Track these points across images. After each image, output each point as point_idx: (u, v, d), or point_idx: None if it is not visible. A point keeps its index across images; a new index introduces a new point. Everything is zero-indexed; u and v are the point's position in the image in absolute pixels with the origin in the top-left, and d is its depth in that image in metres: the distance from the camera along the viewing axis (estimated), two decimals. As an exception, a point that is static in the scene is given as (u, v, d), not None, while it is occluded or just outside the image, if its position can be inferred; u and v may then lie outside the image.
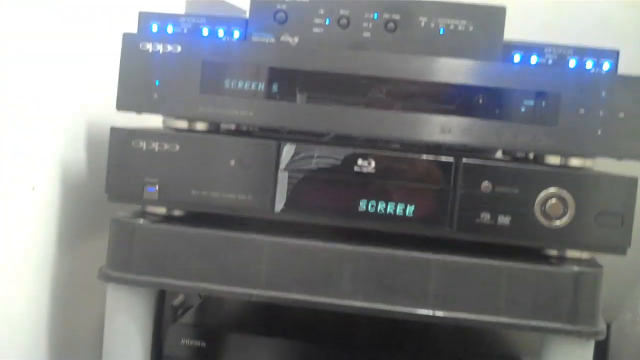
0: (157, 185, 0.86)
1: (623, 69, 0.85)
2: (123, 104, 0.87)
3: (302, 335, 1.05)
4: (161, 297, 1.20)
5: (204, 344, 1.02)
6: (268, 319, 1.12)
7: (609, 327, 1.61)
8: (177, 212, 0.90)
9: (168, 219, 0.89)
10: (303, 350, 1.04)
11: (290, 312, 1.09)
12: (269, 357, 1.02)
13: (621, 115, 0.80)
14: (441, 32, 0.86)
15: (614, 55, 0.84)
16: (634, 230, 1.39)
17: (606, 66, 0.84)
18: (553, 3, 1.27)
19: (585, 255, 0.84)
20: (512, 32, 0.88)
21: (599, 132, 0.81)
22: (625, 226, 0.80)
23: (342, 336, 1.07)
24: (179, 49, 0.86)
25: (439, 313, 0.82)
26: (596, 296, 0.81)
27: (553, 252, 0.85)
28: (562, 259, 0.84)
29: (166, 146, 0.86)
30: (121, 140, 0.86)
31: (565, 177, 0.81)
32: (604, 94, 0.80)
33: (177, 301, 1.27)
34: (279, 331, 1.06)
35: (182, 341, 1.03)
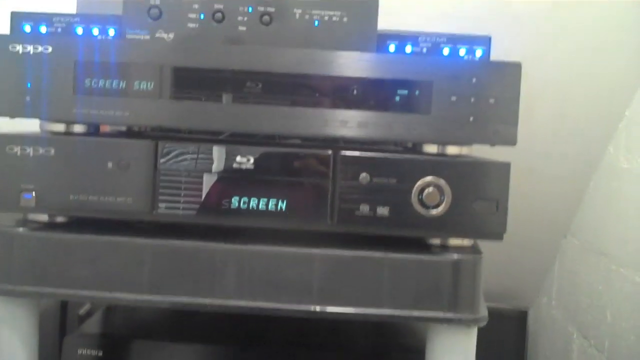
0: (33, 192, 0.83)
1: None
2: (-5, 109, 0.84)
3: (205, 338, 1.04)
4: (63, 307, 1.17)
5: (101, 353, 1.01)
6: (171, 323, 1.11)
7: (526, 313, 1.65)
8: (60, 219, 0.88)
9: (50, 226, 0.87)
10: (208, 354, 1.03)
11: (193, 315, 1.07)
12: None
13: (492, 101, 0.81)
14: (316, 24, 0.86)
15: (487, 41, 0.85)
16: (545, 215, 1.43)
17: (479, 53, 0.84)
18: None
19: (466, 242, 0.85)
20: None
21: (471, 119, 0.81)
22: (500, 212, 0.81)
23: (250, 336, 1.06)
24: (50, 49, 0.83)
25: (324, 308, 0.81)
26: (476, 283, 0.82)
27: (436, 241, 0.85)
28: (444, 248, 0.84)
29: (41, 150, 0.84)
30: (-5, 146, 0.84)
31: (440, 165, 0.82)
32: (474, 80, 0.81)
33: (83, 310, 1.25)
34: (182, 335, 1.05)
35: (79, 351, 1.01)
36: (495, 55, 0.85)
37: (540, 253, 1.52)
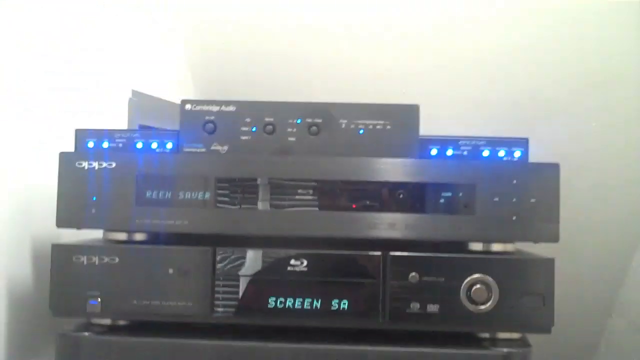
0: (99, 298, 0.88)
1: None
2: (62, 221, 0.90)
3: None
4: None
5: None
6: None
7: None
8: (122, 322, 0.92)
9: (113, 329, 0.91)
10: None
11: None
12: None
13: (533, 200, 0.85)
14: (361, 132, 0.91)
15: (524, 143, 0.89)
16: (587, 297, 1.44)
17: (517, 154, 0.88)
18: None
19: (515, 335, 0.87)
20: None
21: (514, 218, 0.85)
22: (547, 306, 0.84)
23: None
24: (114, 164, 0.89)
25: (379, 405, 0.84)
26: (527, 375, 0.83)
27: (485, 335, 0.88)
28: (493, 341, 0.87)
29: (106, 259, 0.88)
30: (62, 255, 0.89)
31: (487, 263, 0.85)
32: (515, 181, 0.85)
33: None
34: None
35: None
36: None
37: (585, 333, 1.52)
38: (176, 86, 1.49)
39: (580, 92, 1.32)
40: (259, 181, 0.88)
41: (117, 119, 1.28)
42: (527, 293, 0.84)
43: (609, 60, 1.30)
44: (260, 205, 0.87)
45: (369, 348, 0.85)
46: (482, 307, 0.84)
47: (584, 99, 1.31)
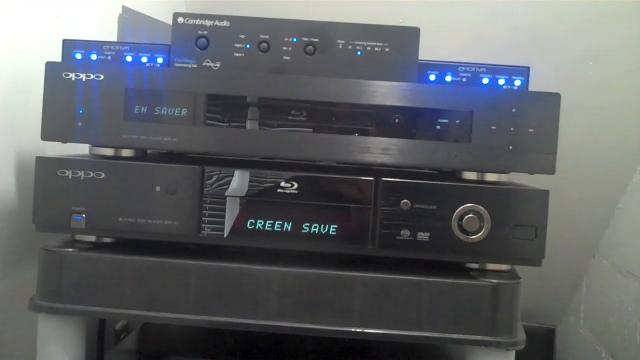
0: (84, 214, 0.86)
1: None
2: (48, 134, 0.87)
3: (243, 356, 1.06)
4: (101, 322, 1.20)
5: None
6: (209, 341, 1.13)
7: (554, 330, 1.66)
8: (107, 240, 0.90)
9: (97, 246, 0.89)
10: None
11: (233, 333, 1.09)
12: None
13: (531, 130, 0.83)
14: (358, 54, 0.88)
15: (525, 72, 0.87)
16: (573, 234, 1.44)
17: (517, 83, 0.86)
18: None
19: (504, 267, 0.87)
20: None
21: (510, 148, 0.83)
22: (539, 238, 0.83)
23: (285, 356, 1.08)
24: (102, 77, 0.86)
25: (365, 330, 0.83)
26: (514, 307, 0.83)
27: (474, 266, 0.87)
28: (482, 272, 0.86)
29: (92, 174, 0.86)
30: (47, 169, 0.87)
31: (480, 192, 0.84)
32: (514, 110, 0.83)
33: (119, 325, 1.27)
34: (221, 353, 1.07)
35: (121, 366, 1.03)
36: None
37: (568, 272, 1.54)
38: (167, 5, 1.44)
39: (580, 31, 1.30)
40: (249, 100, 0.85)
41: (106, 37, 1.24)
42: (520, 224, 0.83)
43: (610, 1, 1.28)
44: (250, 125, 0.85)
45: (356, 274, 0.84)
46: (473, 237, 0.83)
47: (584, 37, 1.29)
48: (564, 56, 1.28)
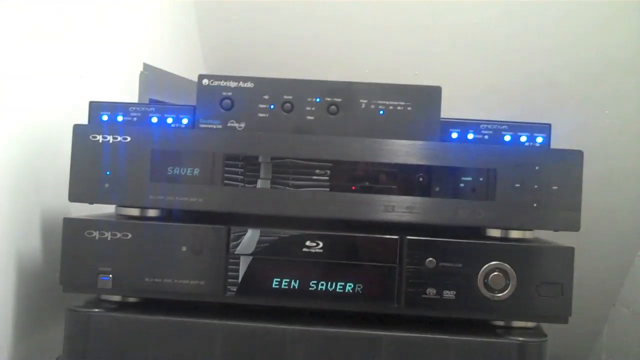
0: (110, 274, 0.87)
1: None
2: (75, 195, 0.88)
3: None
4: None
5: None
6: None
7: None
8: (132, 299, 0.91)
9: (123, 306, 0.90)
10: None
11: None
12: None
13: (555, 187, 0.83)
14: (381, 113, 0.89)
15: (547, 129, 0.88)
16: (594, 285, 1.44)
17: (539, 140, 0.87)
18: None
19: (531, 324, 0.86)
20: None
21: (535, 205, 0.83)
22: (565, 295, 0.83)
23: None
24: (129, 138, 0.88)
25: (392, 389, 0.83)
26: (541, 364, 0.83)
27: (500, 323, 0.87)
28: (508, 329, 0.86)
29: (118, 235, 0.87)
30: (74, 230, 0.88)
31: (505, 250, 0.84)
32: (537, 167, 0.83)
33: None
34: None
35: None
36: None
37: (589, 321, 1.53)
38: (187, 62, 1.47)
39: (595, 80, 1.31)
40: (270, 160, 0.86)
41: (128, 94, 1.26)
42: (546, 282, 0.83)
43: (626, 47, 1.29)
44: (273, 185, 0.86)
45: (382, 333, 0.84)
46: (499, 294, 0.83)
47: (600, 86, 1.30)
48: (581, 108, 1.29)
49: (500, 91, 1.30)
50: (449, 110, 0.91)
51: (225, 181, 0.87)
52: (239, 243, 0.86)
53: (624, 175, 1.34)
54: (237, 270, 0.86)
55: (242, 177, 0.87)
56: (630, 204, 1.36)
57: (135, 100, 1.27)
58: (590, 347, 1.58)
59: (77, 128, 0.89)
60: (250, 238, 0.86)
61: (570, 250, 0.83)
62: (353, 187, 0.86)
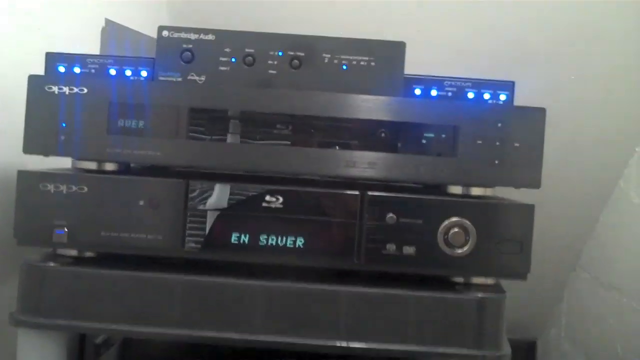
0: (65, 228, 0.85)
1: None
2: (30, 148, 0.86)
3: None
4: (82, 337, 1.18)
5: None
6: (191, 355, 1.12)
7: (535, 344, 1.66)
8: (88, 254, 0.89)
9: (79, 261, 0.88)
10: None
11: (215, 349, 1.08)
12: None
13: (516, 144, 0.83)
14: (344, 68, 0.88)
15: (510, 86, 0.88)
16: (554, 248, 1.45)
17: (502, 97, 0.87)
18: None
19: (490, 281, 0.87)
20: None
21: (496, 162, 0.83)
22: (524, 252, 0.83)
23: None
24: (85, 90, 0.86)
25: (350, 344, 0.83)
26: (500, 321, 0.83)
27: (459, 279, 0.87)
28: (467, 286, 0.86)
29: (74, 188, 0.85)
30: (29, 183, 0.86)
31: (465, 206, 0.84)
32: (500, 124, 0.83)
33: (99, 340, 1.25)
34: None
35: (102, 382, 1.02)
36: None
37: (549, 285, 1.54)
38: (151, 19, 1.44)
39: (562, 44, 1.31)
40: (232, 113, 0.85)
41: (89, 51, 1.23)
42: (505, 238, 0.83)
43: (593, 13, 1.29)
44: (233, 139, 0.85)
45: (341, 288, 0.84)
46: (459, 250, 0.83)
47: (566, 50, 1.30)
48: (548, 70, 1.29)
49: (467, 51, 1.30)
50: (413, 69, 0.90)
51: (191, 136, 0.85)
52: (197, 197, 0.85)
53: (590, 138, 1.35)
54: (196, 226, 0.85)
55: (202, 130, 0.85)
56: (594, 167, 1.37)
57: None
58: (551, 312, 1.60)
59: (32, 78, 0.86)
60: (208, 192, 0.85)
61: (531, 208, 0.83)
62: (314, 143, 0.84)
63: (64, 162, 0.91)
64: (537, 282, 1.40)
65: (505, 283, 0.88)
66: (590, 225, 1.44)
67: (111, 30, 1.28)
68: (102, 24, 1.27)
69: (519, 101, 0.88)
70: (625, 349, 1.26)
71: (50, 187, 0.85)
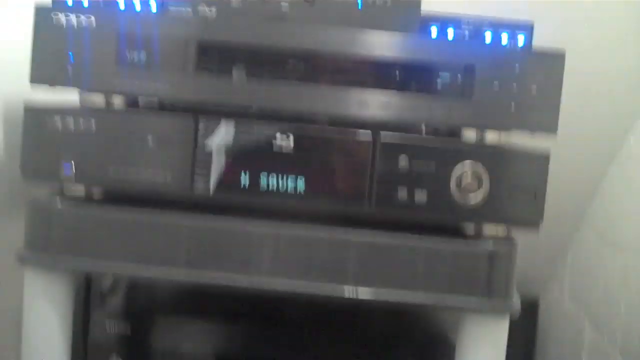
0: (73, 164, 0.84)
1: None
2: (36, 77, 0.84)
3: (229, 318, 1.05)
4: (87, 284, 1.18)
5: (129, 330, 1.02)
6: (196, 301, 1.12)
7: (537, 302, 1.66)
8: (96, 193, 0.87)
9: (87, 200, 0.87)
10: (231, 333, 1.04)
11: (219, 293, 1.08)
12: (196, 340, 1.01)
13: (534, 89, 0.81)
14: (359, 6, 0.86)
15: (529, 28, 0.85)
16: (559, 207, 1.43)
17: (521, 39, 0.85)
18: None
19: (501, 232, 0.85)
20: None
21: (513, 106, 0.81)
22: (538, 201, 0.82)
23: (271, 317, 1.06)
24: (93, 21, 0.83)
25: (358, 291, 0.82)
26: (510, 273, 0.82)
27: (470, 229, 0.85)
28: (478, 236, 0.85)
29: (82, 123, 0.84)
30: (36, 117, 0.84)
31: (480, 151, 0.82)
32: (517, 68, 0.81)
33: (106, 287, 1.26)
34: (207, 314, 1.06)
35: (108, 327, 1.01)
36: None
37: (553, 243, 1.53)
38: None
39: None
40: (243, 48, 0.82)
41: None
42: (519, 186, 0.81)
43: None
44: (241, 75, 0.82)
45: (351, 234, 0.82)
46: (472, 197, 0.81)
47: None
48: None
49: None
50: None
51: (201, 71, 0.83)
52: (207, 134, 0.83)
53: (608, 80, 1.31)
54: (205, 165, 0.83)
55: (212, 65, 0.83)
56: (604, 122, 1.34)
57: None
58: (554, 271, 1.59)
59: (39, 9, 0.84)
60: (219, 130, 0.83)
61: (546, 157, 0.81)
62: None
63: (70, 100, 0.89)
64: (541, 240, 1.39)
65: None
66: (597, 184, 1.42)
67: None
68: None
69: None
70: (629, 309, 1.25)
71: (58, 122, 0.84)
